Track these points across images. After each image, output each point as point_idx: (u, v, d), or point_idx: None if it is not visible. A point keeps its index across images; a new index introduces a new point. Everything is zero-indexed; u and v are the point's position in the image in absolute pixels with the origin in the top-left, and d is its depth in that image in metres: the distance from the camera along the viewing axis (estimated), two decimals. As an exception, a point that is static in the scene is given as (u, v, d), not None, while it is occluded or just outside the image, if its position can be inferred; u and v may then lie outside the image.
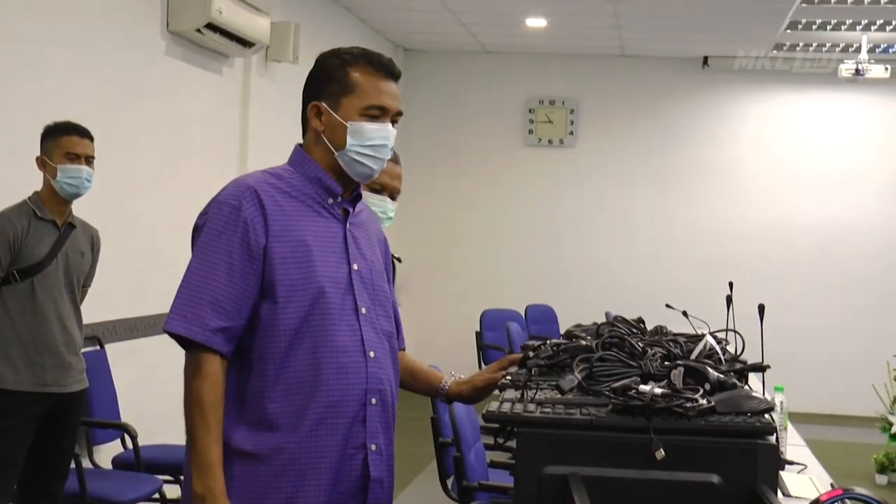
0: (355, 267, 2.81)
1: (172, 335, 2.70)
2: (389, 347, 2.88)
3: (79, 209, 4.97)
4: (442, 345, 10.19)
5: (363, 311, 2.79)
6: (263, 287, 2.70)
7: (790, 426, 4.89)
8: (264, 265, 2.70)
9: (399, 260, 3.89)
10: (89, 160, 4.82)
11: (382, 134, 2.81)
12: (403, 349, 3.12)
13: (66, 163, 4.73)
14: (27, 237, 4.66)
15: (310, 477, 2.69)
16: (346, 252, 2.81)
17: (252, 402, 2.70)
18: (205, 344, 2.65)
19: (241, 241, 2.69)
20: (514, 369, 3.06)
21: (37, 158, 4.78)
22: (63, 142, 4.76)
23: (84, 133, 4.83)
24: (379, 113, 2.80)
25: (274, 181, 2.80)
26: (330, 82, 2.81)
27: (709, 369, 2.65)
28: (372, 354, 2.77)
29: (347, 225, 2.85)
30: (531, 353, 3.10)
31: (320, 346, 2.70)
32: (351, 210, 2.87)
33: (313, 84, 2.85)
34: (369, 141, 2.79)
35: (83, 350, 5.68)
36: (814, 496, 3.60)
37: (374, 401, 2.76)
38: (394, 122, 2.86)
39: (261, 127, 8.19)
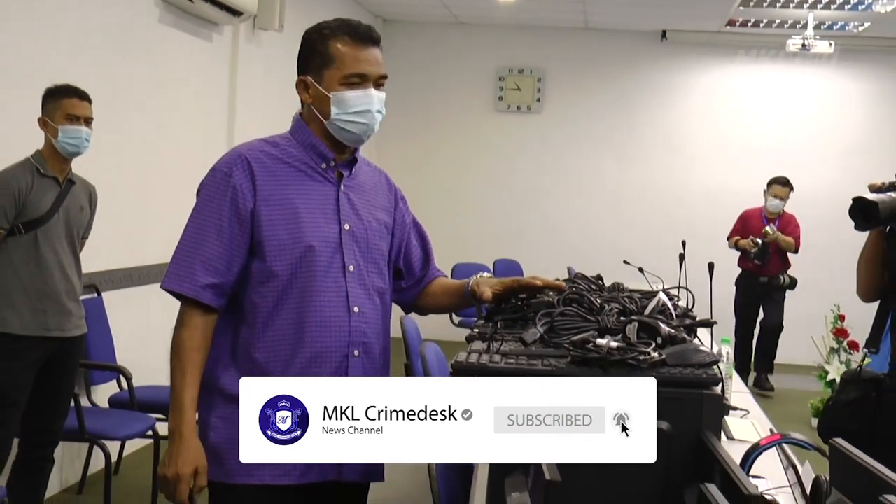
0: (346, 227, 2.82)
1: (168, 292, 2.76)
2: (381, 303, 2.89)
3: (80, 166, 4.95)
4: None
5: (351, 268, 2.80)
6: (253, 246, 2.74)
7: (735, 375, 4.93)
8: (253, 226, 2.73)
9: None
10: (88, 121, 4.80)
11: (364, 100, 2.77)
12: (439, 276, 3.15)
13: (66, 123, 4.72)
14: (31, 192, 4.65)
15: None
16: (337, 212, 2.82)
17: (242, 350, 2.76)
18: (195, 298, 2.71)
19: (230, 205, 2.73)
20: (481, 322, 3.06)
21: (39, 119, 4.75)
22: (64, 104, 4.74)
23: (83, 96, 4.82)
24: (359, 80, 2.77)
25: (268, 149, 2.82)
26: (313, 57, 2.80)
27: (661, 324, 2.67)
28: (356, 309, 2.78)
29: (342, 187, 2.85)
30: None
31: (306, 300, 2.74)
32: (346, 173, 2.87)
33: (301, 60, 2.84)
34: (352, 108, 2.77)
35: (82, 297, 5.69)
36: (755, 439, 3.64)
37: (356, 352, 2.78)
38: (379, 85, 2.82)
39: (248, 91, 8.14)
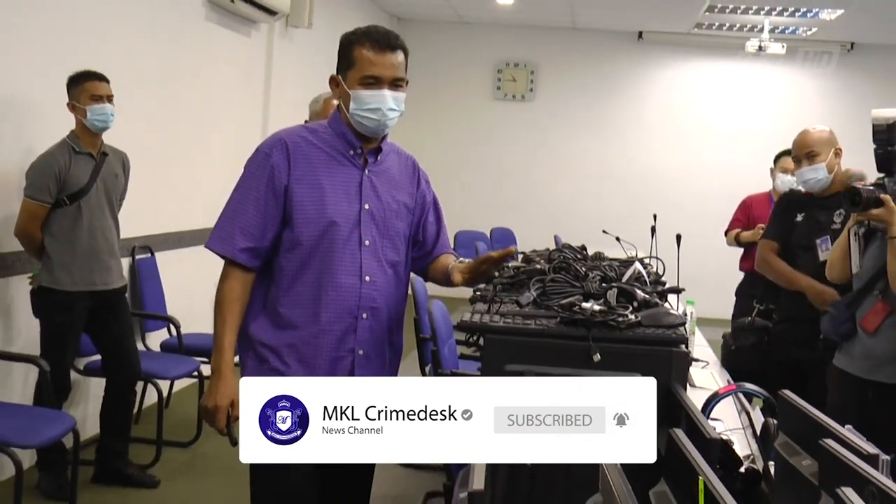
0: (366, 206, 2.80)
1: (211, 250, 2.82)
2: (394, 274, 2.87)
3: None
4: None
5: (367, 243, 2.78)
6: (285, 218, 2.76)
7: (698, 331, 4.94)
8: (286, 201, 2.75)
9: None
10: (110, 99, 4.73)
11: (377, 99, 2.74)
12: (446, 253, 3.05)
13: (92, 103, 4.65)
14: (70, 169, 4.62)
15: (308, 369, 2.76)
16: (359, 194, 2.80)
17: (271, 305, 2.79)
18: (232, 259, 2.76)
19: (268, 181, 2.75)
20: (482, 285, 3.08)
21: (67, 104, 4.70)
22: (87, 87, 4.67)
23: (102, 77, 4.75)
24: (374, 81, 2.74)
25: (306, 135, 2.83)
26: (342, 59, 2.80)
27: (637, 290, 2.69)
28: (368, 279, 2.78)
29: (366, 172, 2.83)
30: (496, 274, 3.13)
31: (325, 268, 2.75)
32: (372, 160, 2.85)
33: (337, 61, 2.83)
34: (366, 105, 2.74)
35: (138, 256, 5.72)
36: (714, 387, 3.67)
37: (364, 315, 2.78)
38: (396, 86, 2.77)
39: (281, 81, 8.12)
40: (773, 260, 4.57)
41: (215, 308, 2.78)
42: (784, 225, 4.58)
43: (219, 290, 2.78)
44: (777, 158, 6.65)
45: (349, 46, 2.78)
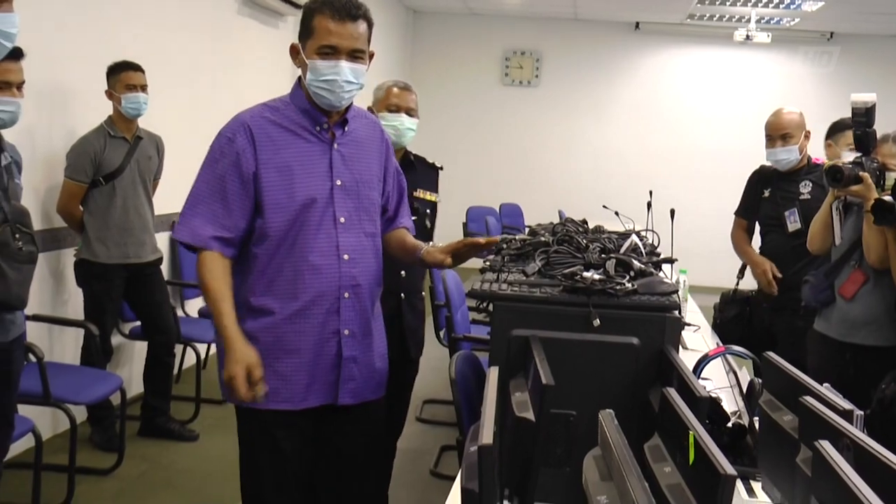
0: (338, 182, 2.55)
1: (180, 242, 2.57)
2: (372, 246, 2.65)
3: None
4: (437, 233, 10.20)
5: (342, 220, 2.55)
6: (257, 205, 2.52)
7: (690, 297, 4.95)
8: (255, 187, 2.50)
9: (441, 168, 3.90)
10: (144, 88, 4.71)
11: (333, 69, 2.48)
12: (404, 228, 2.83)
13: (127, 92, 4.65)
14: (105, 152, 4.63)
15: (293, 354, 2.55)
16: (330, 170, 2.55)
17: (248, 293, 2.55)
18: (204, 248, 2.50)
19: (233, 168, 2.50)
20: (491, 257, 3.08)
21: (105, 91, 4.69)
22: (123, 77, 4.66)
23: (137, 68, 4.73)
24: (330, 51, 2.47)
25: (268, 114, 2.57)
26: (303, 27, 2.53)
27: (633, 261, 2.68)
28: (346, 257, 2.55)
29: (335, 146, 2.58)
30: (504, 245, 3.13)
31: (299, 251, 2.51)
32: (339, 132, 2.60)
33: (299, 29, 2.58)
34: (322, 76, 2.48)
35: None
36: (704, 349, 3.67)
37: (346, 295, 2.56)
38: (355, 58, 2.50)
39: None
40: (736, 236, 4.90)
41: (205, 293, 2.53)
42: (751, 202, 4.75)
43: (200, 277, 2.52)
44: None
45: (309, 15, 2.51)
